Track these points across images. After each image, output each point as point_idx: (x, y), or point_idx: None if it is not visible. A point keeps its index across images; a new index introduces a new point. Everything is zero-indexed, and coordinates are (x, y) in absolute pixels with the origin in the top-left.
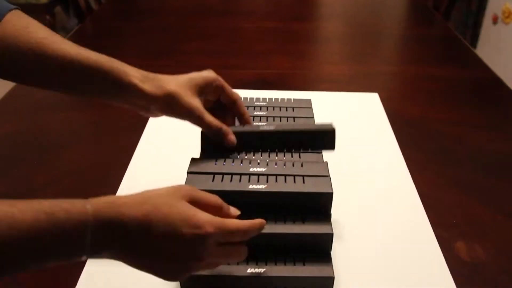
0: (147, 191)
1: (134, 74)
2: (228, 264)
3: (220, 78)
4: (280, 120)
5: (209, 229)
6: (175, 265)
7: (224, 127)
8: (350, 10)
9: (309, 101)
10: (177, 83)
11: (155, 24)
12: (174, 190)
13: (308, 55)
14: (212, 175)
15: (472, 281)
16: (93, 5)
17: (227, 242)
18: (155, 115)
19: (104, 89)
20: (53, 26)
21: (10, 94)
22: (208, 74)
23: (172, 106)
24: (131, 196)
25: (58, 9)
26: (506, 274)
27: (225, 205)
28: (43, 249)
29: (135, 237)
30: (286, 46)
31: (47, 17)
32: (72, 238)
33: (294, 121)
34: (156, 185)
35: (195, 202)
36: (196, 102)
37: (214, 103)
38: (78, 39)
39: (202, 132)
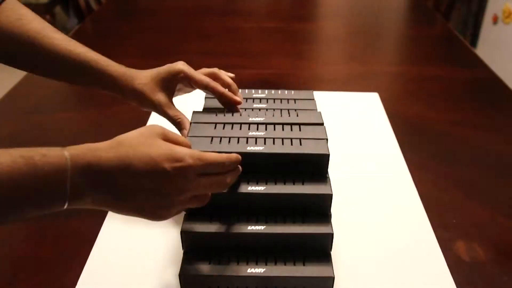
0: (119, 136)
1: (117, 70)
2: (210, 194)
3: (186, 69)
4: (281, 114)
5: (189, 160)
6: (160, 202)
7: (184, 119)
8: (350, 10)
9: (311, 93)
10: (145, 79)
11: (155, 24)
12: (147, 130)
13: (308, 55)
14: (210, 138)
15: (472, 281)
16: (93, 5)
17: (206, 173)
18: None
19: (90, 81)
20: (53, 26)
21: (9, 94)
22: (173, 67)
23: (141, 101)
24: (104, 142)
25: (58, 9)
26: (506, 274)
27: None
28: (23, 194)
29: (116, 178)
30: (286, 46)
31: (47, 17)
32: (51, 181)
33: (296, 114)
34: None
35: (168, 140)
36: (160, 97)
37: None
38: (78, 39)
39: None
